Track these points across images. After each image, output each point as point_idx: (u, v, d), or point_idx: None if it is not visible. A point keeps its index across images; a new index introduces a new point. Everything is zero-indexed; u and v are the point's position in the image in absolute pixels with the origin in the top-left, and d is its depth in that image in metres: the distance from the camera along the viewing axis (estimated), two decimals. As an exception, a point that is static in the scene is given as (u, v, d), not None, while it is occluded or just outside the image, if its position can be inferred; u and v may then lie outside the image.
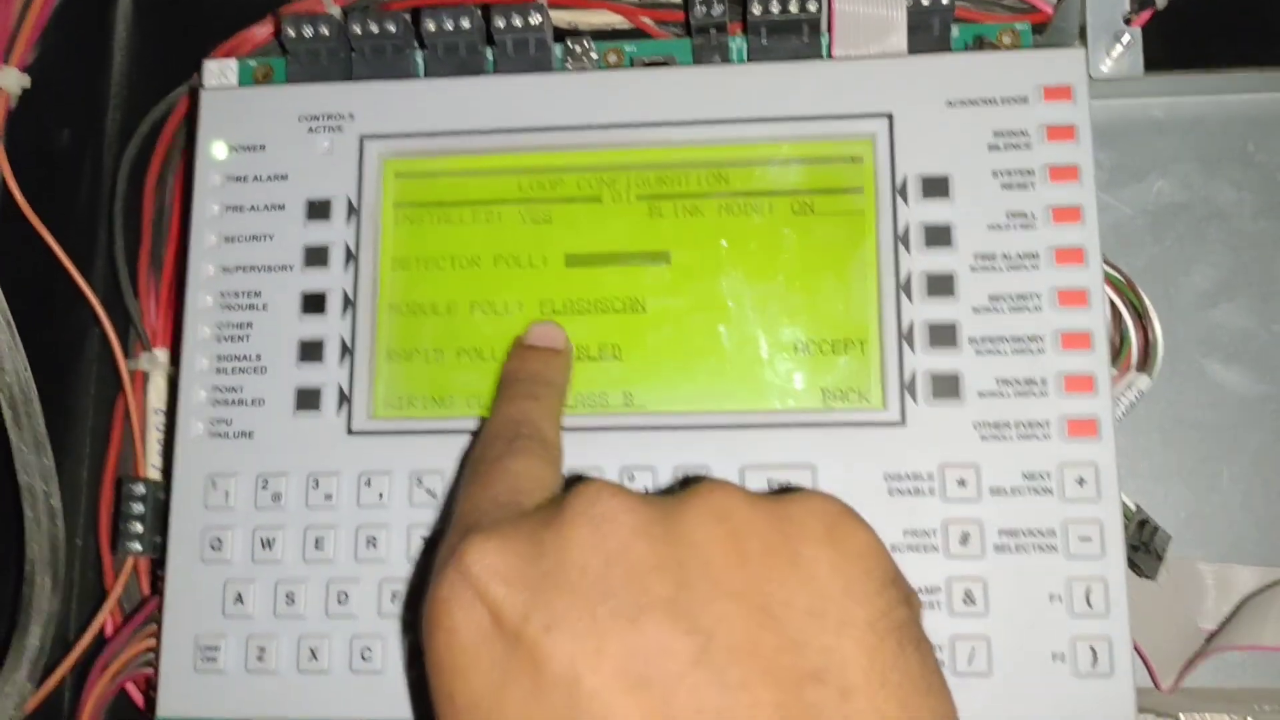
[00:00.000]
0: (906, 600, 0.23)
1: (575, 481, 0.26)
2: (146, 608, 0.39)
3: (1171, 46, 0.43)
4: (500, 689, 0.22)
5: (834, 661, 0.22)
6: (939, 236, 0.35)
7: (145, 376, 0.44)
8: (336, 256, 0.37)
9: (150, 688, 0.38)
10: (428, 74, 0.41)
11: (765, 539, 0.23)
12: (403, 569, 0.35)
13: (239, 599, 0.35)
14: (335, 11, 0.45)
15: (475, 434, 0.35)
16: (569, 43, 0.42)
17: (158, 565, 0.40)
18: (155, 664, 0.36)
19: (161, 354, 0.44)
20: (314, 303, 0.37)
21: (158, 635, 0.36)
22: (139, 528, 0.38)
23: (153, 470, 0.43)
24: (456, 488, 0.31)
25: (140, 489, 0.39)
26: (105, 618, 0.41)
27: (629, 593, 0.23)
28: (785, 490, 0.26)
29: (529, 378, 0.33)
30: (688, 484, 0.25)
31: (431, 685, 0.24)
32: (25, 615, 0.37)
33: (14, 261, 0.41)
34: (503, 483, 0.28)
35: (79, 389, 0.47)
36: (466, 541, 0.24)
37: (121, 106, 0.50)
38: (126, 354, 0.44)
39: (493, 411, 0.32)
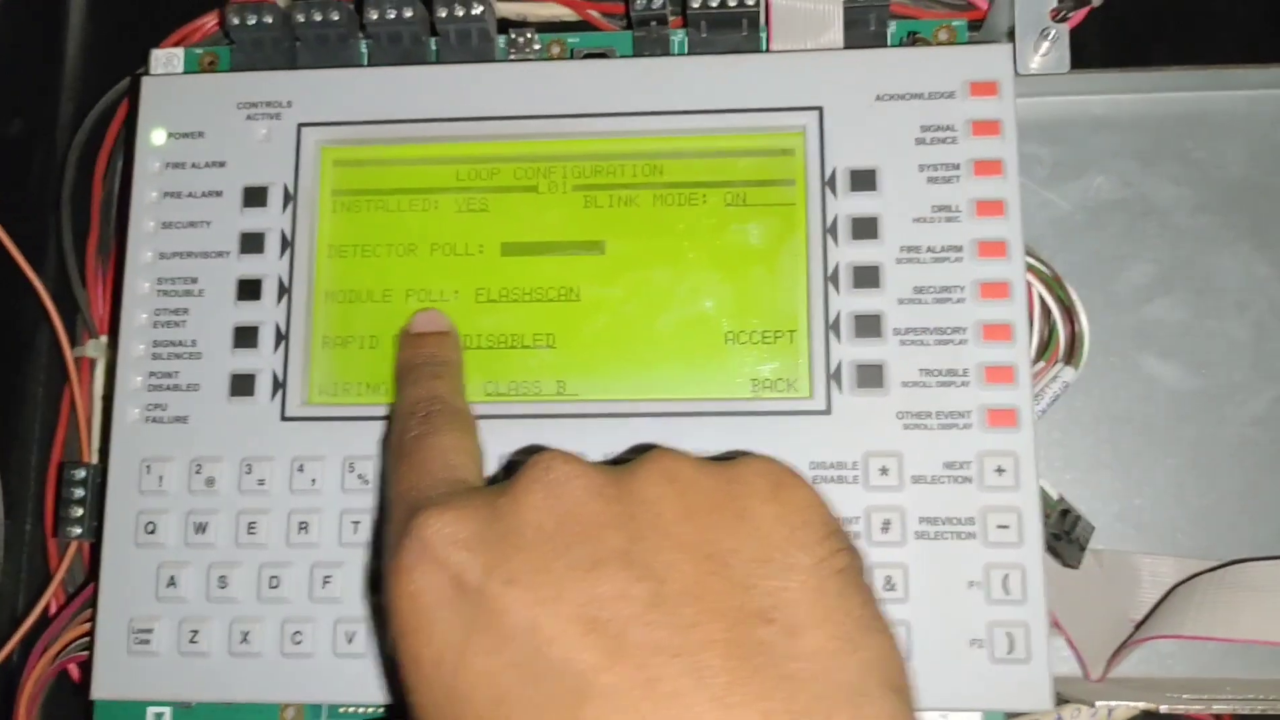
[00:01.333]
0: (848, 549, 0.25)
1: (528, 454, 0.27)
2: (86, 591, 0.39)
3: (1112, 44, 0.44)
4: (463, 643, 0.23)
5: (781, 602, 0.23)
6: (866, 229, 0.36)
7: (92, 364, 0.44)
8: (272, 243, 0.37)
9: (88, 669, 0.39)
10: (371, 64, 0.41)
11: (712, 496, 0.25)
12: (334, 553, 0.35)
13: (172, 582, 0.35)
14: (282, 1, 0.45)
15: (387, 420, 0.35)
16: (512, 34, 0.42)
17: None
18: (89, 647, 0.36)
19: (108, 340, 0.44)
20: (250, 289, 0.37)
21: (92, 618, 0.36)
22: (79, 512, 0.39)
23: (98, 456, 0.43)
24: (384, 473, 0.32)
25: (80, 473, 0.39)
26: (48, 600, 0.41)
27: (584, 546, 0.24)
28: (729, 455, 0.27)
29: (426, 361, 0.34)
30: (638, 453, 0.27)
31: (397, 652, 0.25)
32: (-37, 598, 0.38)
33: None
34: (434, 458, 0.29)
35: (30, 376, 0.47)
36: (421, 515, 0.25)
37: (74, 96, 0.50)
38: (74, 342, 0.44)
39: (399, 397, 0.33)
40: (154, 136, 0.38)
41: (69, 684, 0.41)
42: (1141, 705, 0.36)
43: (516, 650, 0.23)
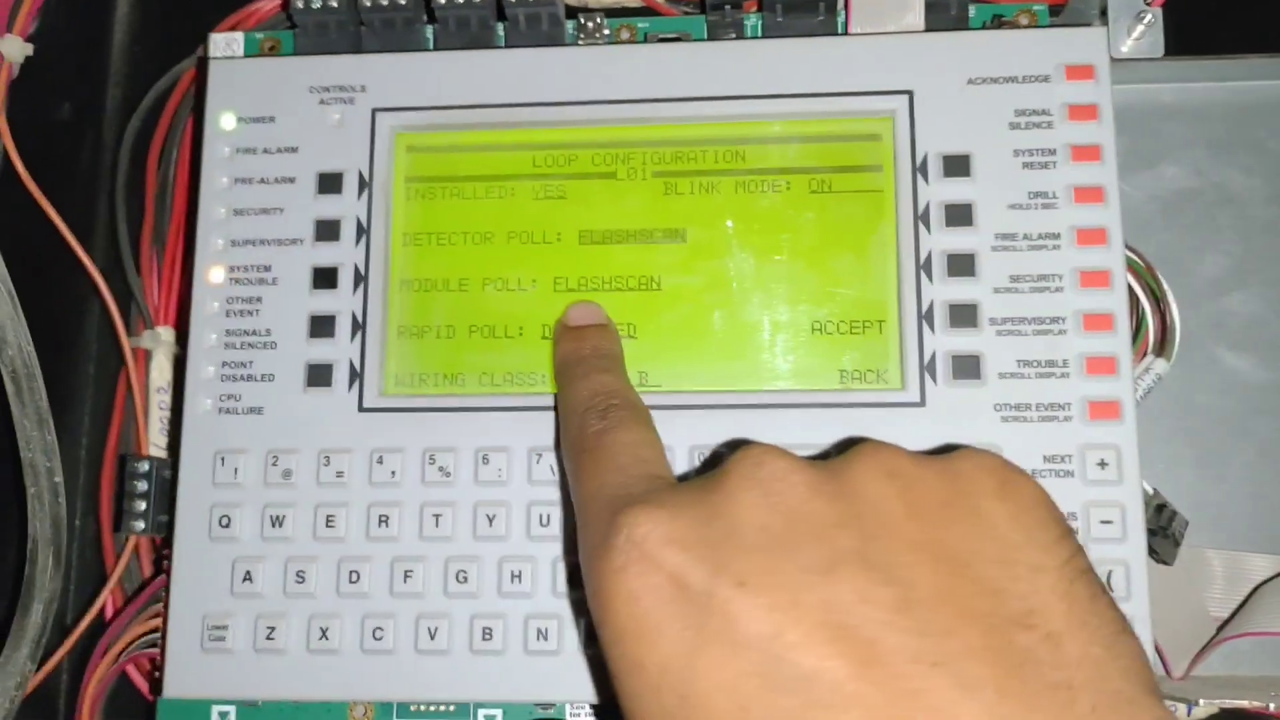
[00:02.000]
0: (1081, 549, 0.23)
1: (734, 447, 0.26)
2: (150, 588, 0.39)
3: (1181, 32, 0.43)
4: (694, 650, 0.22)
5: (1035, 606, 0.22)
6: (960, 216, 0.35)
7: (148, 354, 0.43)
8: (348, 231, 0.36)
9: (154, 669, 0.38)
10: (438, 48, 0.41)
11: (940, 494, 0.24)
12: (415, 547, 0.34)
13: (248, 577, 0.34)
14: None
15: (556, 413, 0.35)
16: (581, 18, 0.41)
17: (163, 545, 0.39)
18: (160, 645, 0.36)
19: (164, 331, 0.43)
20: (325, 277, 0.36)
21: (164, 615, 0.35)
22: (143, 506, 0.38)
23: (155, 449, 0.42)
24: (568, 470, 0.31)
25: (144, 467, 0.38)
26: (106, 598, 0.40)
27: (817, 547, 0.23)
28: (940, 450, 0.26)
29: (591, 354, 0.33)
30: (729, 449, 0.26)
31: (613, 656, 0.24)
32: (27, 594, 0.37)
33: (13, 234, 0.40)
34: (624, 453, 0.28)
35: (78, 366, 0.46)
36: (630, 513, 0.24)
37: (121, 81, 0.50)
38: (128, 331, 0.43)
39: (569, 391, 0.32)
40: (223, 121, 0.38)
41: (127, 684, 0.40)
42: (1247, 703, 0.35)
43: (757, 658, 0.21)
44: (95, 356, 0.47)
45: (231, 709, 0.35)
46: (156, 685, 0.35)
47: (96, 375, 0.47)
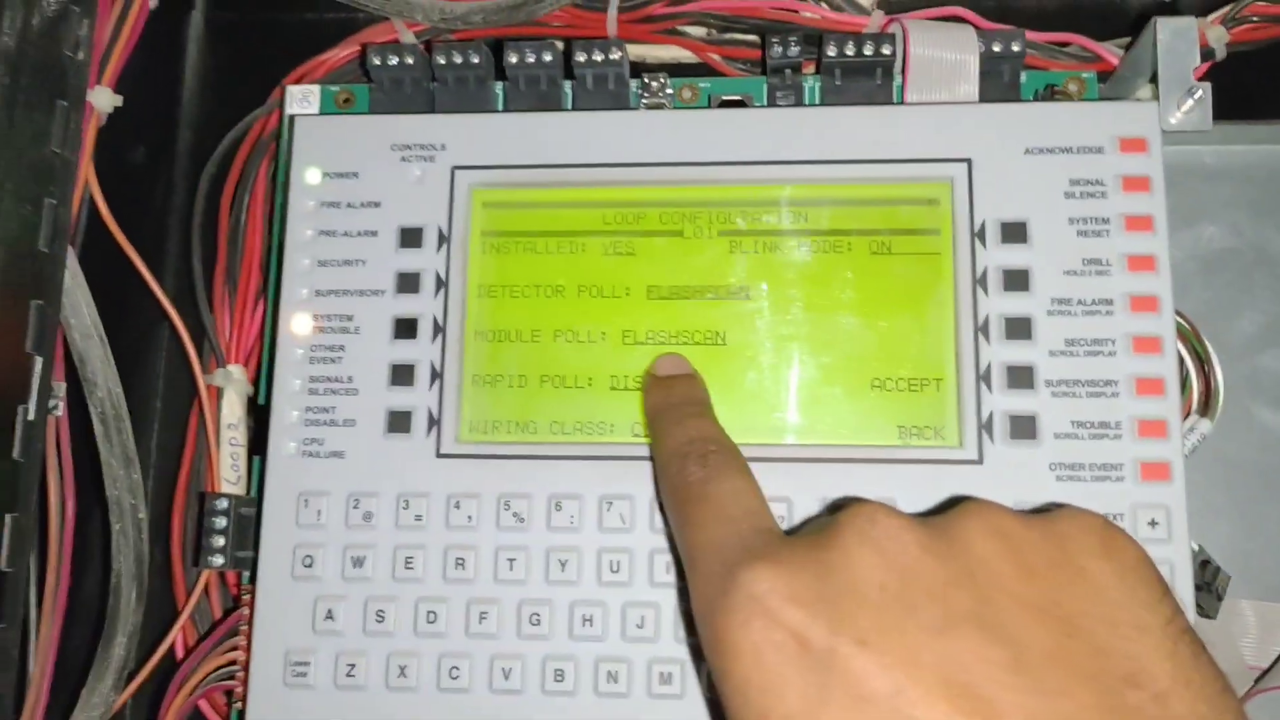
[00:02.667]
0: (1181, 609, 0.25)
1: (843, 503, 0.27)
2: (226, 622, 0.40)
3: (1223, 97, 0.44)
4: (819, 705, 0.23)
5: (1142, 667, 0.23)
6: (1017, 280, 0.36)
7: (219, 391, 0.45)
8: (428, 283, 0.38)
9: (229, 703, 0.39)
10: (507, 105, 0.42)
11: (1046, 554, 0.25)
12: (490, 590, 0.36)
13: (329, 615, 0.36)
14: (409, 38, 0.46)
15: (652, 461, 0.35)
16: (645, 78, 0.43)
17: (239, 580, 0.41)
18: (242, 677, 0.37)
19: (235, 369, 0.45)
20: (406, 328, 0.38)
21: (247, 649, 0.37)
22: (221, 542, 0.39)
23: (225, 484, 0.44)
24: (670, 518, 0.32)
25: (223, 504, 0.40)
26: (178, 631, 0.42)
27: (933, 607, 0.24)
28: (1042, 509, 0.27)
29: (682, 401, 0.34)
30: (838, 508, 0.27)
31: (736, 706, 0.25)
32: (111, 627, 0.38)
33: (89, 275, 0.42)
34: (731, 504, 0.29)
35: (147, 402, 0.48)
36: (749, 570, 0.25)
37: (192, 125, 0.51)
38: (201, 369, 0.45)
39: (664, 438, 0.33)
40: (309, 175, 0.39)
41: (202, 716, 0.41)
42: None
43: (879, 713, 0.22)
44: (162, 392, 0.49)
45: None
46: (240, 716, 0.37)
47: (163, 411, 0.48)
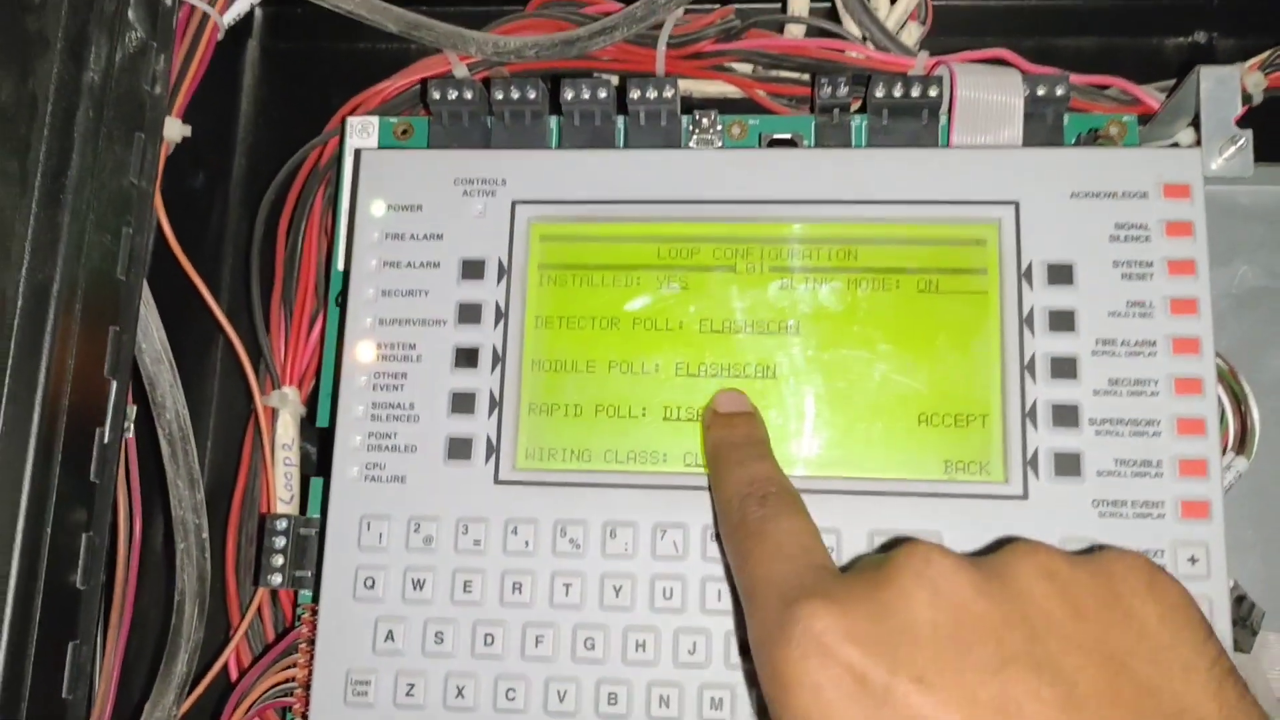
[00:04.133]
0: (1224, 650, 0.26)
1: (896, 542, 0.28)
2: (284, 640, 0.41)
3: (1260, 139, 0.45)
4: None
5: (1189, 705, 0.24)
6: (1063, 321, 0.37)
7: (274, 412, 0.46)
8: (488, 314, 0.39)
9: (285, 714, 0.40)
10: (561, 139, 0.44)
11: (1095, 595, 0.26)
12: (547, 614, 0.37)
13: (390, 636, 0.37)
14: (462, 70, 0.47)
15: (711, 496, 0.37)
16: (696, 114, 0.44)
17: (308, 598, 0.42)
18: (300, 695, 0.38)
19: (290, 391, 0.46)
20: (467, 357, 0.39)
21: (307, 666, 0.38)
22: (280, 561, 0.40)
23: (280, 504, 0.45)
24: (730, 555, 0.33)
25: (282, 524, 0.41)
26: (234, 649, 0.43)
27: (987, 647, 0.25)
28: (1087, 550, 0.28)
29: (744, 441, 0.36)
30: (890, 547, 0.28)
31: None
32: (174, 643, 0.39)
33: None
34: (789, 542, 0.30)
35: (200, 422, 0.49)
36: (806, 606, 0.26)
37: (246, 152, 0.53)
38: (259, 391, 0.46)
39: (726, 477, 0.34)
40: (374, 208, 0.40)
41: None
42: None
43: None
44: (215, 413, 0.50)
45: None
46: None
47: (216, 431, 0.50)
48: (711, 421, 0.37)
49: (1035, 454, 0.37)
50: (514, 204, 0.40)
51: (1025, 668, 0.24)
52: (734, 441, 0.36)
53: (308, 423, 0.45)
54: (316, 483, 0.42)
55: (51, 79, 0.35)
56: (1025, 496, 0.36)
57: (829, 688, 0.25)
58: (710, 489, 0.37)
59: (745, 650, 0.36)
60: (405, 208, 0.40)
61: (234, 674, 0.43)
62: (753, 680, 0.36)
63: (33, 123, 0.34)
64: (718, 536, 0.36)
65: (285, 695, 0.40)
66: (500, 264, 0.40)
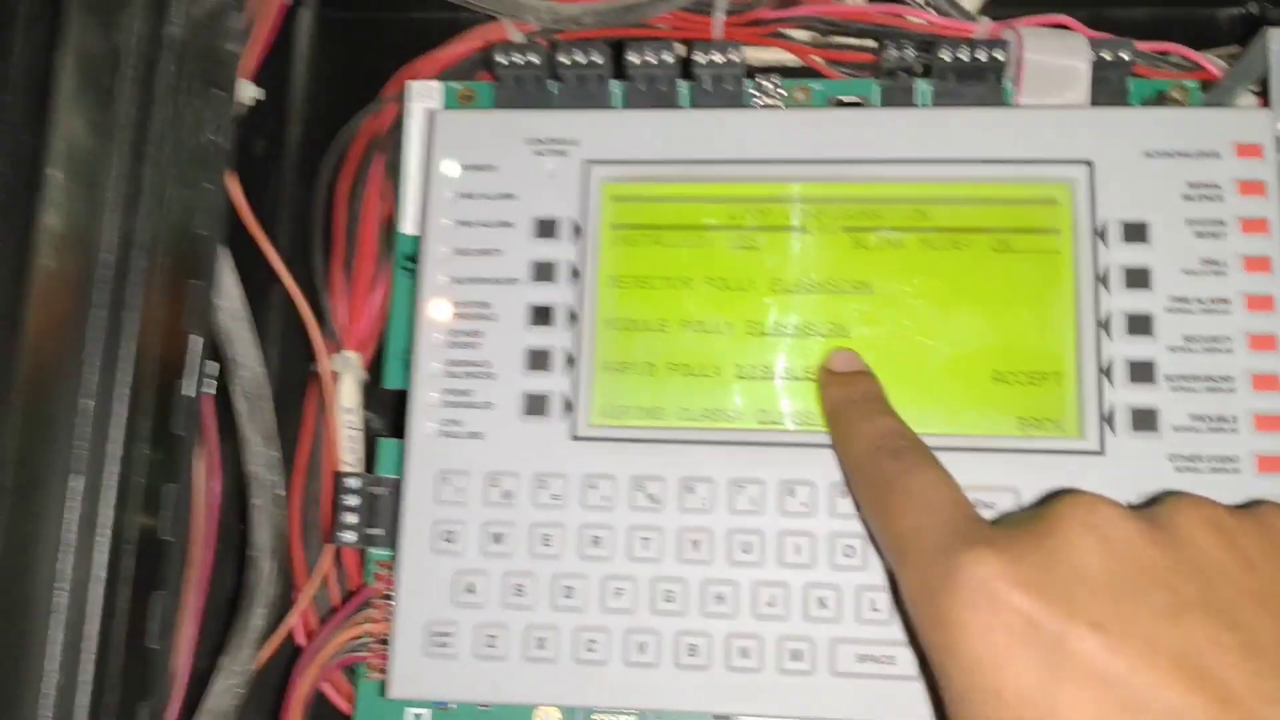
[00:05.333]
0: None
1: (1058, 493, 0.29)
2: (358, 596, 0.41)
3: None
4: (1055, 684, 0.25)
5: None
6: (1138, 279, 0.38)
7: (336, 376, 0.46)
8: (562, 273, 0.40)
9: (351, 680, 0.41)
10: (626, 103, 0.44)
11: (1260, 545, 0.27)
12: (625, 567, 0.37)
13: (470, 589, 0.37)
14: (518, 38, 0.47)
15: (839, 457, 0.37)
16: (759, 79, 0.44)
17: (385, 555, 0.42)
18: (376, 649, 0.39)
19: (353, 355, 0.46)
20: (542, 315, 0.39)
21: (387, 620, 0.38)
22: (354, 519, 0.41)
23: (344, 466, 0.45)
24: (867, 510, 0.34)
25: (355, 483, 0.41)
26: (301, 608, 0.43)
27: (1162, 593, 0.25)
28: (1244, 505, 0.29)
29: (863, 397, 0.36)
30: (1053, 497, 0.28)
31: (964, 685, 0.26)
32: (249, 598, 0.40)
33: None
34: (934, 493, 0.30)
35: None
36: (970, 554, 0.27)
37: (301, 118, 0.53)
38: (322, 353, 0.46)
39: (850, 434, 0.35)
40: (447, 168, 0.41)
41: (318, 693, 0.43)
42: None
43: (1119, 695, 0.24)
44: (276, 376, 0.50)
45: (426, 711, 0.38)
46: (375, 689, 0.38)
47: (277, 394, 0.50)
48: (828, 381, 0.37)
49: (1112, 410, 0.37)
50: (586, 164, 0.40)
51: (1203, 614, 0.25)
52: (854, 398, 0.36)
53: (370, 387, 0.46)
54: (385, 443, 0.42)
55: (134, 32, 0.35)
56: (1102, 452, 0.37)
57: (1000, 632, 0.25)
58: (835, 447, 0.37)
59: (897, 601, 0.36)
60: (478, 168, 0.41)
61: (299, 634, 0.43)
62: (913, 639, 0.35)
63: (115, 74, 0.35)
64: (853, 496, 0.36)
65: (357, 651, 0.40)
66: (573, 224, 0.40)
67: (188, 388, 0.37)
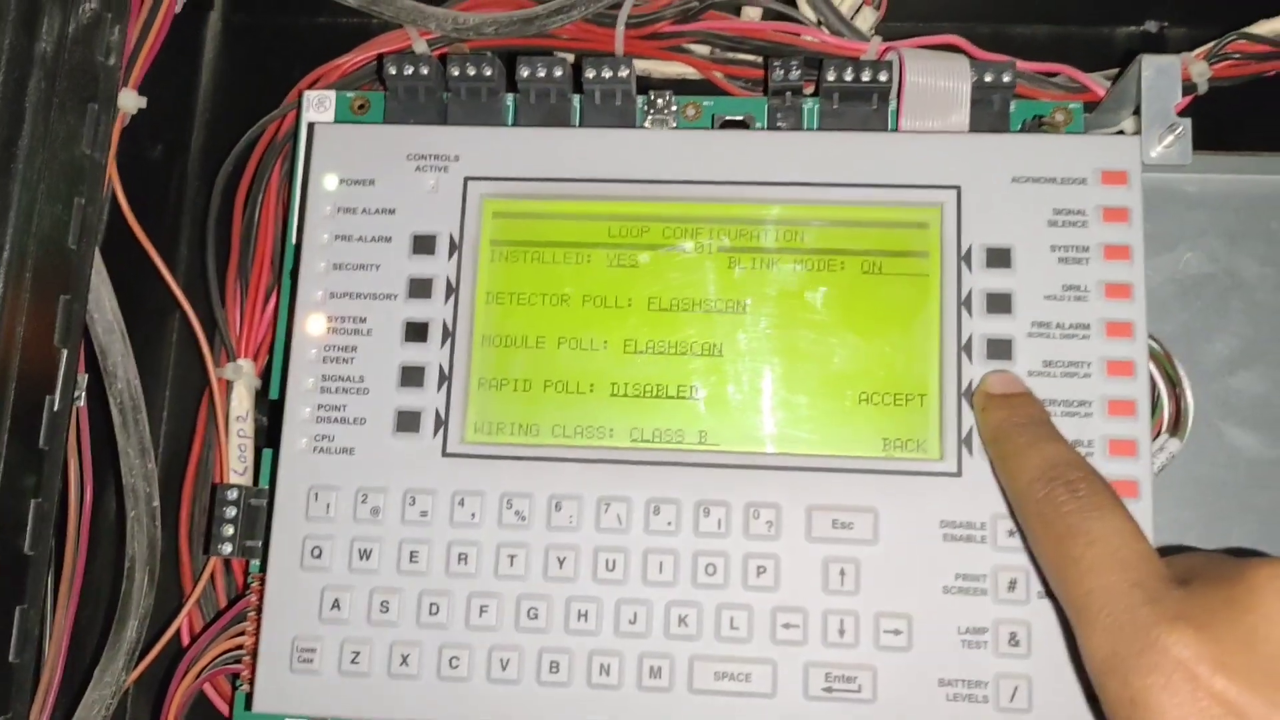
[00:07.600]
0: None
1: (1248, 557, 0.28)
2: (234, 608, 0.42)
3: (1203, 127, 0.46)
4: None
5: None
6: (1000, 303, 0.38)
7: (229, 385, 0.46)
8: (439, 289, 0.40)
9: (233, 686, 0.41)
10: (517, 117, 0.44)
11: None
12: (491, 584, 0.37)
13: (336, 605, 0.38)
14: (422, 46, 0.48)
15: (1003, 485, 0.36)
16: (651, 95, 0.44)
17: (256, 568, 0.42)
18: (248, 662, 0.39)
19: (245, 364, 0.46)
20: (417, 331, 0.39)
21: (255, 634, 0.38)
22: (231, 531, 0.41)
23: (233, 475, 0.45)
24: (1037, 550, 0.32)
25: (233, 494, 0.41)
26: (186, 615, 0.43)
27: None
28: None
29: (1029, 421, 0.35)
30: (1243, 559, 0.27)
31: None
32: (124, 610, 0.40)
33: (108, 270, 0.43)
34: (1121, 546, 0.29)
35: (155, 393, 0.49)
36: (1165, 631, 0.26)
37: (205, 124, 0.53)
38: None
39: (1016, 462, 0.34)
40: (326, 181, 0.41)
41: (201, 699, 0.43)
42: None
43: None
44: (170, 384, 0.50)
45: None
46: (246, 699, 0.38)
47: (171, 402, 0.50)
48: (987, 404, 0.36)
49: (970, 432, 0.37)
50: (467, 180, 0.41)
51: None
52: (1019, 422, 0.35)
53: (262, 396, 0.46)
54: (268, 454, 0.43)
55: (3, 49, 0.35)
56: (959, 473, 0.37)
57: (1197, 717, 0.25)
58: (998, 475, 0.36)
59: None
60: (358, 182, 0.41)
61: (185, 641, 0.43)
62: (1090, 697, 0.34)
63: (-17, 92, 0.35)
64: (1018, 526, 0.35)
65: (235, 662, 0.41)
66: (452, 239, 0.40)
67: (57, 403, 0.37)
